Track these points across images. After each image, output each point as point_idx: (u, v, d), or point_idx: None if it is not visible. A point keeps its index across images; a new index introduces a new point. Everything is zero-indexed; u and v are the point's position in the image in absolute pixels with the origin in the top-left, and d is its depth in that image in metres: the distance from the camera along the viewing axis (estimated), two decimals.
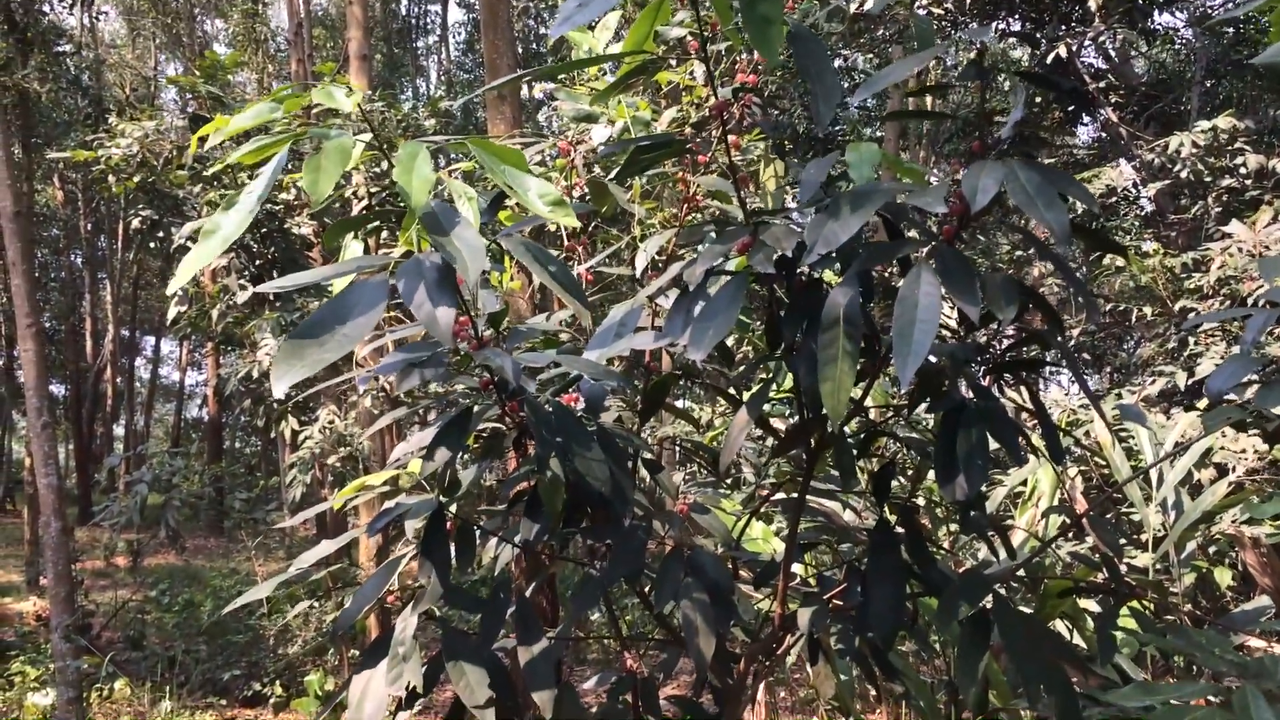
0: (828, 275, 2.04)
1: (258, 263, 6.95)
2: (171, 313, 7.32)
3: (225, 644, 10.16)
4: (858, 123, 15.85)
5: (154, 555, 17.44)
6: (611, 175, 2.67)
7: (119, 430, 30.57)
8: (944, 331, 2.30)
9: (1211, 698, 1.82)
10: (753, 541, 4.40)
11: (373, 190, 6.33)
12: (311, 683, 8.28)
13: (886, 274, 2.43)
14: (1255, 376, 2.00)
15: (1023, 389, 2.14)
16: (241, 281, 6.73)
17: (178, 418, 30.88)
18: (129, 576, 14.13)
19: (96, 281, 25.60)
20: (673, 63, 2.59)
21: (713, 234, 2.05)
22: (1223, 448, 5.35)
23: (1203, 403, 5.52)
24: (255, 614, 10.16)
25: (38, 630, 10.91)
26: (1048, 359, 2.13)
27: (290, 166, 6.70)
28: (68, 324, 24.74)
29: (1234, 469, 5.21)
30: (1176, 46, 13.07)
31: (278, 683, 8.83)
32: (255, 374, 7.73)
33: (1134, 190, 10.16)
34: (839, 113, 14.27)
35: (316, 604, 9.33)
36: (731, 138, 2.10)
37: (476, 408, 2.01)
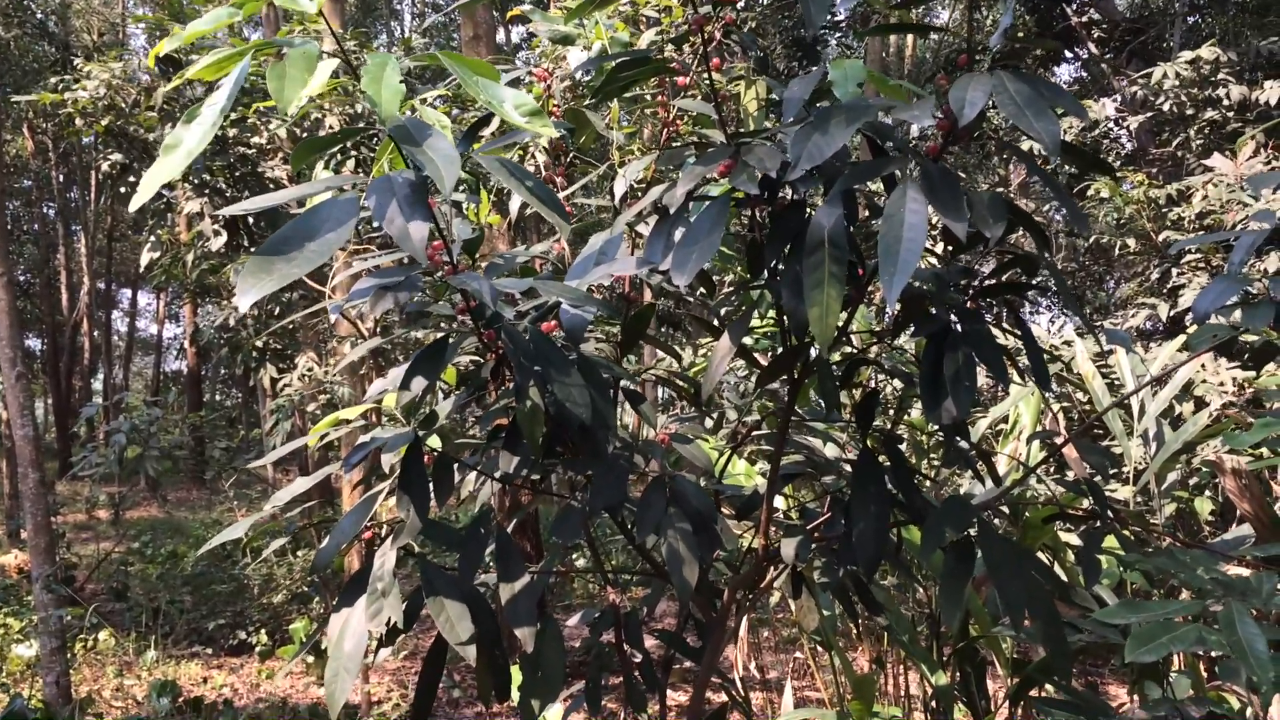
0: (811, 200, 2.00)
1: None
2: (145, 259, 7.21)
3: (209, 594, 10.17)
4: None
5: (136, 508, 17.42)
6: (588, 102, 2.60)
7: (97, 384, 30.34)
8: (929, 258, 2.27)
9: (1195, 616, 1.81)
10: (734, 477, 4.40)
11: None
12: (297, 631, 8.30)
13: (872, 198, 2.39)
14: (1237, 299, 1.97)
15: (1007, 313, 2.12)
16: (216, 227, 6.62)
17: (156, 370, 30.66)
18: (111, 529, 14.09)
19: (70, 233, 25.26)
20: None
21: (693, 157, 2.00)
22: (1203, 381, 5.37)
23: (1192, 329, 5.52)
24: (239, 563, 10.16)
25: (20, 583, 10.88)
26: (1034, 282, 2.10)
27: (262, 109, 6.57)
28: (42, 277, 24.45)
29: (1211, 400, 5.24)
30: None
31: (263, 631, 8.85)
32: (232, 321, 7.65)
33: (1114, 127, 10.12)
34: (820, 49, 14.13)
35: (300, 552, 9.33)
36: (712, 60, 2.04)
37: (453, 339, 1.97)
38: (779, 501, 3.63)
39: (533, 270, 2.57)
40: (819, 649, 5.62)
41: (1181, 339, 4.79)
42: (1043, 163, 8.53)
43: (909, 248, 1.53)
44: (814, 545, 2.33)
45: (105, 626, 8.97)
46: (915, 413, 5.09)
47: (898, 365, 2.46)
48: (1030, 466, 2.54)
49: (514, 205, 2.92)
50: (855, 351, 2.35)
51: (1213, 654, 3.85)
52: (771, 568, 2.46)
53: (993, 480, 2.43)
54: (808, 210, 1.87)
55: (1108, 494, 4.35)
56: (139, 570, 11.40)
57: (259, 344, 7.57)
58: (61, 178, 23.45)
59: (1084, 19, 11.23)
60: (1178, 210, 7.84)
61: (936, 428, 1.94)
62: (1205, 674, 4.02)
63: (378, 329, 6.07)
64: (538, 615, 2.07)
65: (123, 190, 7.80)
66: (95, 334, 26.92)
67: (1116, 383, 5.64)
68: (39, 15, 16.12)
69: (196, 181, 6.69)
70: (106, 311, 28.52)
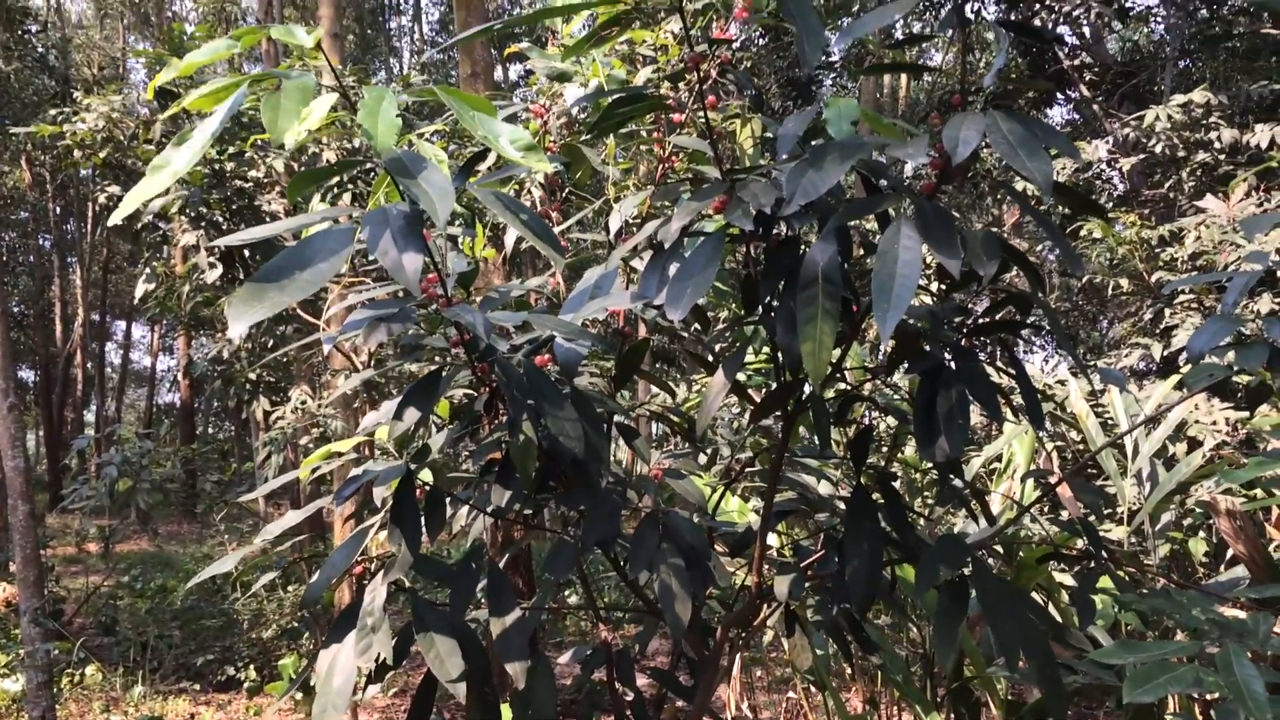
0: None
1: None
2: (140, 291, 7.20)
3: (199, 629, 10.06)
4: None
5: (126, 541, 17.28)
6: (585, 137, 2.62)
7: (90, 416, 30.23)
8: (924, 296, 2.27)
9: (1192, 657, 1.80)
10: (727, 514, 4.38)
11: None
12: (286, 667, 8.21)
13: (866, 235, 2.39)
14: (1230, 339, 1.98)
15: (1002, 351, 2.12)
16: (211, 260, 6.61)
17: (149, 403, 30.58)
18: (101, 562, 13.97)
19: (66, 265, 25.26)
20: (648, 19, 2.54)
21: (688, 193, 2.00)
22: (1196, 421, 5.37)
23: (1186, 369, 5.54)
24: (229, 598, 10.06)
25: (7, 617, 10.77)
26: (1028, 322, 2.10)
27: (260, 143, 6.59)
28: (36, 309, 24.40)
29: (1205, 440, 5.24)
30: (1151, 28, 13.13)
31: (252, 667, 8.75)
32: (226, 354, 7.63)
33: (1107, 169, 10.20)
34: (815, 89, 14.26)
35: (290, 587, 9.25)
36: (708, 98, 2.05)
37: (446, 373, 1.96)
38: (772, 539, 3.61)
39: (528, 304, 2.57)
40: (812, 689, 5.58)
41: (1175, 379, 4.80)
42: (1036, 203, 8.58)
43: (903, 284, 1.53)
44: (807, 583, 2.32)
45: (93, 661, 8.88)
46: (909, 450, 5.09)
47: (891, 402, 2.46)
48: (1024, 506, 2.53)
49: (509, 239, 2.92)
50: (849, 388, 2.34)
51: (1208, 696, 3.81)
52: (765, 605, 2.44)
53: (987, 519, 2.43)
54: (802, 247, 1.87)
55: (1102, 534, 4.34)
56: (128, 604, 11.28)
57: (252, 377, 7.55)
58: (58, 210, 23.50)
59: (1076, 62, 11.36)
60: (1170, 251, 7.88)
61: (930, 465, 1.94)
62: (1200, 717, 3.99)
63: (371, 362, 6.05)
64: (529, 652, 2.05)
65: (120, 223, 7.80)
66: (89, 366, 26.86)
67: (1110, 422, 5.64)
68: (40, 49, 16.25)
69: (193, 214, 6.69)
70: (100, 344, 28.47)
